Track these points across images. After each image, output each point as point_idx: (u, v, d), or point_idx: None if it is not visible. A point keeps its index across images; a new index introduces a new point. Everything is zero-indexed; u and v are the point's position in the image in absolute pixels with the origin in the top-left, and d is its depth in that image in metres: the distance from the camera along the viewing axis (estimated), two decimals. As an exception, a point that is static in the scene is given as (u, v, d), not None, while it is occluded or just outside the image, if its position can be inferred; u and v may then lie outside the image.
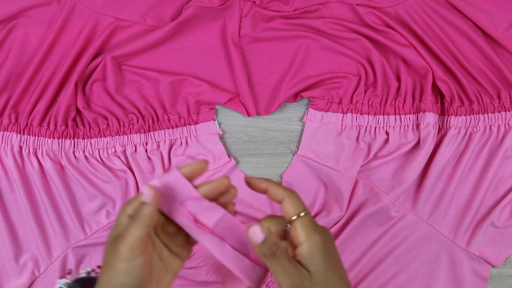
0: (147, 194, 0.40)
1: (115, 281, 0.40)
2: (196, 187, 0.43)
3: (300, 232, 0.42)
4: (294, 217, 0.42)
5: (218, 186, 0.44)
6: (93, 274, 0.54)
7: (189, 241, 0.46)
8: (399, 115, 0.63)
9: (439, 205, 0.63)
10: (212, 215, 0.42)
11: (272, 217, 0.44)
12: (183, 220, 0.42)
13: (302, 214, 0.43)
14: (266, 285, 0.61)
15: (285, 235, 0.44)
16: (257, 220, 0.62)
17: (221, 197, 0.44)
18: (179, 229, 0.44)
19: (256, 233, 0.41)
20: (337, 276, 0.42)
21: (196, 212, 0.42)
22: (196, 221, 0.42)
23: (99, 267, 0.55)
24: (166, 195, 0.42)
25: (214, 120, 0.64)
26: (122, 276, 0.40)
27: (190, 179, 0.43)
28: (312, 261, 0.42)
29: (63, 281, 0.54)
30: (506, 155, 0.63)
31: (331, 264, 0.42)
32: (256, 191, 0.45)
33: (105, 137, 0.62)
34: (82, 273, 0.54)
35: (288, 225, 0.43)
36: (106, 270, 0.40)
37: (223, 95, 0.63)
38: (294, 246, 0.42)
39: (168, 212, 0.42)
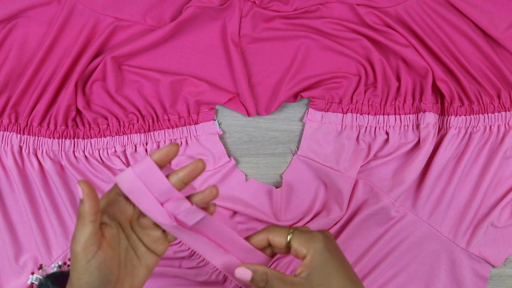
0: (80, 190, 0.39)
1: (80, 281, 0.40)
2: (169, 175, 0.42)
3: (299, 248, 0.44)
4: (289, 238, 0.45)
5: (193, 170, 0.42)
6: (65, 268, 0.53)
7: (166, 237, 0.45)
8: (399, 115, 0.63)
9: (439, 205, 0.63)
10: (193, 216, 0.42)
11: (270, 230, 0.46)
12: (160, 219, 0.42)
13: (290, 233, 0.45)
14: None
15: (289, 248, 0.45)
16: (257, 220, 0.62)
17: (201, 198, 0.43)
18: (155, 225, 0.44)
19: (244, 273, 0.44)
20: (342, 276, 0.43)
21: (176, 214, 0.42)
22: (176, 220, 0.42)
23: (66, 264, 0.55)
24: (139, 188, 0.41)
25: (214, 120, 0.64)
26: (84, 276, 0.40)
27: (164, 164, 0.42)
28: (314, 269, 0.43)
29: (34, 276, 0.53)
30: (506, 155, 0.63)
31: (334, 266, 0.43)
32: (263, 247, 0.47)
33: (105, 137, 0.62)
34: (54, 267, 0.54)
35: (289, 236, 0.45)
36: (72, 272, 0.41)
37: (223, 95, 0.63)
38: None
39: (144, 208, 0.42)
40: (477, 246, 0.63)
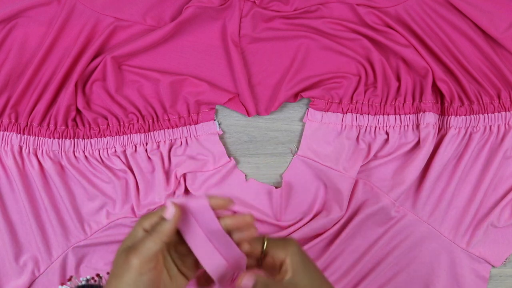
0: (170, 211, 0.41)
1: None
2: (218, 218, 0.43)
3: (276, 253, 0.45)
4: (265, 245, 0.45)
5: (241, 222, 0.44)
6: (92, 282, 0.54)
7: (197, 264, 0.46)
8: (399, 115, 0.63)
9: (439, 205, 0.63)
10: (229, 249, 0.44)
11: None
12: (196, 246, 0.43)
13: (264, 240, 0.46)
14: None
15: (262, 257, 0.46)
16: (257, 220, 0.62)
17: (240, 233, 0.45)
18: (190, 251, 0.44)
19: (247, 282, 0.43)
20: (320, 275, 0.45)
21: (213, 243, 0.43)
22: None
23: (97, 275, 0.55)
24: (186, 216, 0.43)
25: (214, 120, 0.64)
26: (130, 287, 0.40)
27: (213, 209, 0.43)
28: (295, 270, 0.44)
29: (64, 287, 0.53)
30: (506, 155, 0.63)
31: (311, 266, 0.45)
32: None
33: (105, 137, 0.62)
34: (82, 281, 0.54)
35: (265, 243, 0.46)
36: (114, 280, 0.41)
37: (223, 95, 0.63)
38: (280, 268, 0.45)
39: (183, 233, 0.43)
40: (477, 246, 0.63)
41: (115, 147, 0.62)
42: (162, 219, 0.41)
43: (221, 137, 0.65)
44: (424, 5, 0.64)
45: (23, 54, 0.64)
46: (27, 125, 0.62)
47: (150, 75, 0.63)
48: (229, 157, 0.64)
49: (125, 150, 0.62)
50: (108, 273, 0.48)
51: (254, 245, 0.46)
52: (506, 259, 0.64)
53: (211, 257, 0.43)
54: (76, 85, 0.62)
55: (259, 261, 0.46)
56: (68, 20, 0.64)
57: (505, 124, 0.62)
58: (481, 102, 0.63)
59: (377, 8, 0.64)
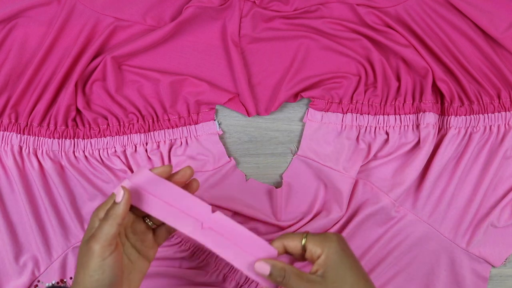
0: (120, 195, 0.44)
1: (91, 278, 0.43)
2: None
3: (314, 249, 0.46)
4: (303, 241, 0.46)
5: (183, 175, 0.48)
6: (59, 284, 0.55)
7: (156, 241, 0.50)
8: (399, 115, 0.63)
9: (439, 205, 0.63)
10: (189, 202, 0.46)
11: (286, 236, 0.48)
12: (155, 211, 0.46)
13: (304, 236, 0.47)
14: None
15: (304, 252, 0.47)
16: (257, 220, 0.62)
17: (178, 177, 0.48)
18: (148, 228, 0.48)
19: (263, 267, 0.45)
20: (355, 274, 0.45)
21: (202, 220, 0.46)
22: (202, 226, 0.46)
23: (61, 280, 0.56)
24: (138, 194, 0.46)
25: (214, 120, 0.64)
26: (97, 273, 0.43)
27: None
28: (329, 267, 0.45)
29: None
30: (506, 155, 0.63)
31: (348, 265, 0.45)
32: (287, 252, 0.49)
33: (105, 137, 0.62)
34: (47, 285, 0.55)
35: (304, 239, 0.47)
36: (81, 270, 0.43)
37: (223, 95, 0.63)
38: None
39: (143, 208, 0.46)
40: (477, 246, 0.63)
41: (115, 147, 0.62)
42: (114, 203, 0.44)
43: (221, 137, 0.65)
44: (424, 5, 0.64)
45: (23, 54, 0.64)
46: (27, 125, 0.62)
47: (150, 75, 0.63)
48: (229, 157, 0.64)
49: (125, 150, 0.62)
50: (71, 278, 0.50)
51: (295, 241, 0.47)
52: (506, 259, 0.64)
53: (176, 216, 0.46)
54: (76, 85, 0.62)
55: (301, 256, 0.48)
56: (68, 20, 0.64)
57: (505, 124, 0.62)
58: (481, 102, 0.63)
59: (377, 8, 0.64)
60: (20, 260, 0.62)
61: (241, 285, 0.61)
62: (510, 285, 0.64)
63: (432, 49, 0.63)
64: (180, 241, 0.62)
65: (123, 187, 0.44)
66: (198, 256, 0.62)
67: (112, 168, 0.62)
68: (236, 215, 0.63)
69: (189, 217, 0.46)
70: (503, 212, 0.63)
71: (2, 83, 0.63)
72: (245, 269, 0.46)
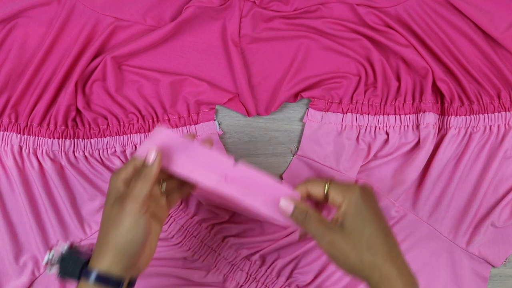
0: (152, 156, 0.46)
1: (124, 237, 0.44)
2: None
3: (335, 197, 0.47)
4: (326, 188, 0.48)
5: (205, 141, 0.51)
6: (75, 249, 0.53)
7: (168, 206, 0.51)
8: (399, 115, 0.63)
9: (439, 205, 0.63)
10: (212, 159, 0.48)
11: (310, 182, 0.50)
12: (180, 169, 0.47)
13: (327, 184, 0.48)
14: (266, 285, 0.61)
15: (327, 199, 0.49)
16: (257, 220, 0.62)
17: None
18: (161, 194, 0.50)
19: (287, 206, 0.48)
20: (374, 227, 0.46)
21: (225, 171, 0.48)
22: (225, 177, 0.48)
23: (72, 244, 0.55)
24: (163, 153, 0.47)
25: (214, 120, 0.64)
26: (131, 232, 0.44)
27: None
28: (347, 217, 0.46)
29: (52, 253, 0.52)
30: (506, 155, 0.63)
31: (367, 217, 0.46)
32: (310, 198, 0.50)
33: (105, 137, 0.62)
34: (63, 246, 0.54)
35: (326, 186, 0.49)
36: (112, 229, 0.44)
37: (223, 95, 0.63)
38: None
39: (167, 168, 0.47)
40: (477, 246, 0.63)
41: (115, 147, 0.62)
42: (146, 165, 0.46)
43: (221, 137, 0.65)
44: (424, 5, 0.64)
45: (23, 54, 0.64)
46: (27, 125, 0.62)
47: (150, 75, 0.63)
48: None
49: (125, 150, 0.62)
50: (71, 244, 0.50)
51: (318, 188, 0.49)
52: (506, 259, 0.64)
53: (200, 172, 0.47)
54: (76, 85, 0.62)
55: (325, 201, 0.49)
56: (68, 20, 0.64)
57: (505, 124, 0.62)
58: (481, 102, 0.63)
59: (377, 8, 0.64)
60: (20, 260, 0.62)
61: (241, 285, 0.61)
62: (510, 285, 0.64)
63: (432, 49, 0.63)
64: (181, 241, 0.62)
65: (155, 150, 0.46)
66: (198, 256, 0.62)
67: (112, 168, 0.62)
68: (235, 215, 0.63)
69: (212, 171, 0.47)
70: (503, 212, 0.63)
71: (2, 83, 0.63)
72: (271, 213, 0.48)
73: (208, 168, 0.47)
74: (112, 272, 0.44)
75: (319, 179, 0.50)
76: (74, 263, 0.47)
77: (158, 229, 0.49)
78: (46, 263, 0.49)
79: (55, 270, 0.48)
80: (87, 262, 0.46)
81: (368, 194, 0.48)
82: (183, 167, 0.47)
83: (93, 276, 0.44)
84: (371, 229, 0.46)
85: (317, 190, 0.49)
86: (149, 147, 0.46)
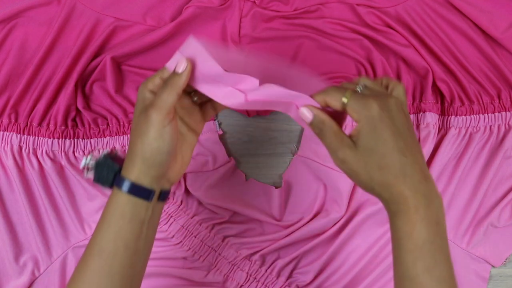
0: (182, 65, 0.44)
1: (150, 146, 0.44)
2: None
3: (352, 113, 0.45)
4: (345, 101, 0.45)
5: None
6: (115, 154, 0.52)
7: (202, 117, 0.50)
8: (399, 115, 0.62)
9: (439, 205, 0.63)
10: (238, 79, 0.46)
11: (328, 92, 0.46)
12: (203, 88, 0.46)
13: (345, 96, 0.45)
14: (266, 285, 0.61)
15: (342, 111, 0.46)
16: (257, 220, 0.62)
17: None
18: (193, 104, 0.49)
19: (306, 114, 0.46)
20: (389, 146, 0.44)
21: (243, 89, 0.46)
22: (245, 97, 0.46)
23: (112, 150, 0.54)
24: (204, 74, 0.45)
25: (215, 120, 0.64)
26: (157, 141, 0.44)
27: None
28: (360, 135, 0.44)
29: (89, 157, 0.50)
30: (506, 155, 0.63)
31: (383, 136, 0.43)
32: (328, 107, 0.47)
33: (105, 137, 0.62)
34: (104, 152, 0.51)
35: (344, 99, 0.45)
36: (139, 139, 0.44)
37: (223, 95, 0.63)
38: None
39: (192, 84, 0.46)
40: (477, 246, 0.63)
41: (114, 147, 0.62)
42: (175, 73, 0.44)
43: (221, 137, 0.65)
44: (424, 5, 0.64)
45: (23, 54, 0.64)
46: (27, 125, 0.62)
47: (150, 75, 0.63)
48: (229, 157, 0.64)
49: (124, 150, 0.62)
50: (111, 150, 0.49)
51: (336, 100, 0.46)
52: (506, 259, 0.64)
53: (223, 93, 0.46)
54: (76, 85, 0.62)
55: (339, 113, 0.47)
56: (68, 20, 0.64)
57: (505, 124, 0.62)
58: (481, 102, 0.63)
59: (377, 8, 0.64)
60: (20, 260, 0.62)
61: (242, 285, 0.61)
62: (510, 285, 0.64)
63: (432, 49, 0.63)
64: (181, 241, 0.62)
65: (186, 59, 0.44)
66: (198, 256, 0.62)
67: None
68: (235, 215, 0.63)
69: (235, 91, 0.46)
70: (503, 212, 0.63)
71: (2, 83, 0.63)
72: (294, 117, 0.48)
73: (230, 89, 0.46)
74: (141, 182, 0.44)
75: (338, 89, 0.46)
76: (108, 169, 0.46)
77: (193, 140, 0.49)
78: (83, 168, 0.48)
79: (91, 175, 0.47)
80: (120, 169, 0.46)
81: (390, 110, 0.45)
82: (205, 87, 0.46)
83: (126, 185, 0.44)
84: (385, 148, 0.44)
85: (335, 103, 0.46)
86: (179, 58, 0.45)
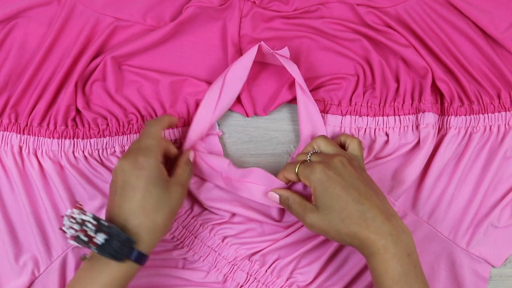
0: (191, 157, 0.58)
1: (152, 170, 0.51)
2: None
3: (304, 181, 0.53)
4: (297, 173, 0.54)
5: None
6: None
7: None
8: (399, 116, 0.63)
9: (439, 205, 0.63)
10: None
11: (285, 168, 0.56)
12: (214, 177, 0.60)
13: (297, 168, 0.54)
14: (266, 286, 0.61)
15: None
16: (256, 221, 0.62)
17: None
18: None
19: (274, 196, 0.56)
20: (343, 200, 0.49)
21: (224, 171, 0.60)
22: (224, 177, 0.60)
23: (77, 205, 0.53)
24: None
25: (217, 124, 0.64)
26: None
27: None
28: (316, 198, 0.51)
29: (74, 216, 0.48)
30: (506, 155, 0.63)
31: (334, 193, 0.50)
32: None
33: (105, 137, 0.62)
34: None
35: (296, 170, 0.54)
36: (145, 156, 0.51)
37: (223, 95, 0.63)
38: None
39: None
40: (477, 246, 0.63)
41: (114, 148, 0.62)
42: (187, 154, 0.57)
43: (221, 138, 0.65)
44: (424, 5, 0.64)
45: (23, 54, 0.64)
46: (27, 125, 0.62)
47: (150, 75, 0.63)
48: (226, 158, 0.64)
49: (124, 151, 0.62)
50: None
51: (291, 174, 0.55)
52: (506, 259, 0.63)
53: (205, 172, 0.60)
54: (76, 85, 0.62)
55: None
56: (68, 20, 0.64)
57: (505, 124, 0.62)
58: (481, 102, 0.63)
59: (377, 8, 0.64)
60: (20, 260, 0.62)
61: (242, 285, 0.61)
62: (510, 285, 0.64)
63: (432, 49, 0.63)
64: (181, 242, 0.62)
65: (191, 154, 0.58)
66: (198, 256, 0.62)
67: (111, 168, 0.62)
68: (235, 216, 0.63)
69: (214, 171, 0.59)
70: (503, 212, 0.63)
71: (2, 83, 0.63)
72: (264, 201, 0.58)
73: (211, 169, 0.59)
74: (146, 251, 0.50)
75: (292, 164, 0.55)
76: (122, 244, 0.46)
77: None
78: (68, 230, 0.46)
79: (101, 239, 0.46)
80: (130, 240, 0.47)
81: (336, 167, 0.51)
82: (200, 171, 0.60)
83: (134, 256, 0.48)
84: (340, 202, 0.49)
85: (291, 175, 0.55)
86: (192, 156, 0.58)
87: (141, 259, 0.48)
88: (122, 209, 0.49)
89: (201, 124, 0.59)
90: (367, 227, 0.49)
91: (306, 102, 0.60)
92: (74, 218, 0.47)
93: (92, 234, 0.46)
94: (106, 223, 0.46)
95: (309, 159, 0.54)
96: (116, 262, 0.47)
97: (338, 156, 0.52)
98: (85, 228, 0.46)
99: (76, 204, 0.48)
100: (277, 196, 0.56)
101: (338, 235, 0.50)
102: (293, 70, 0.59)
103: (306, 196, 0.55)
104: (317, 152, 0.55)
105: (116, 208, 0.49)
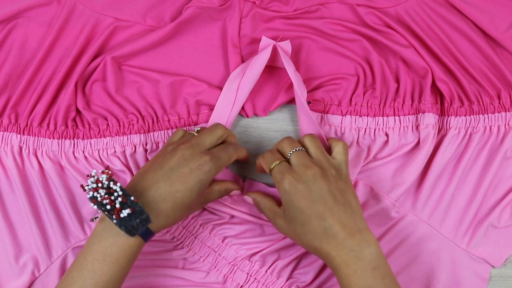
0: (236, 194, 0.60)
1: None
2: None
3: (275, 184, 0.54)
4: (271, 167, 0.55)
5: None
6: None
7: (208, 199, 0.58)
8: (398, 116, 0.63)
9: (439, 205, 0.63)
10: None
11: (265, 157, 0.57)
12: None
13: (271, 166, 0.54)
14: (266, 286, 0.61)
15: None
16: (256, 222, 0.62)
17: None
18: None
19: (248, 198, 0.59)
20: (306, 216, 0.50)
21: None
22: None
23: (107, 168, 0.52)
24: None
25: (214, 121, 0.64)
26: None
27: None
28: (284, 206, 0.53)
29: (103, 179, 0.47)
30: (506, 155, 0.63)
31: (298, 206, 0.51)
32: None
33: (105, 137, 0.62)
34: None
35: (271, 166, 0.55)
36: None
37: (223, 96, 0.63)
38: None
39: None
40: (477, 246, 0.63)
41: (114, 148, 0.62)
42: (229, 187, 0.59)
43: (221, 138, 0.65)
44: (424, 5, 0.64)
45: (23, 54, 0.64)
46: (27, 126, 0.62)
47: (150, 75, 0.63)
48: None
49: (124, 151, 0.62)
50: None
51: (268, 162, 0.55)
52: (506, 260, 0.64)
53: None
54: (76, 85, 0.62)
55: None
56: (68, 20, 0.64)
57: (505, 125, 0.62)
58: (481, 102, 0.63)
59: (377, 9, 0.64)
60: (20, 260, 0.62)
61: (242, 286, 0.61)
62: (510, 285, 0.64)
63: (432, 49, 0.63)
64: (181, 242, 0.62)
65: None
66: (198, 256, 0.62)
67: (111, 168, 0.62)
68: (233, 218, 0.63)
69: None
70: (503, 213, 0.63)
71: (2, 83, 0.63)
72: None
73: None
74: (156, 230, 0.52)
75: (273, 155, 0.56)
76: (141, 221, 0.47)
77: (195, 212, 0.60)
78: (93, 191, 0.46)
79: (126, 213, 0.46)
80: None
81: (306, 181, 0.51)
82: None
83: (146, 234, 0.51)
84: (303, 217, 0.50)
85: (266, 166, 0.56)
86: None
87: (148, 236, 0.50)
88: (155, 190, 0.50)
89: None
90: (328, 243, 0.50)
91: (303, 103, 0.60)
92: (101, 183, 0.47)
93: (118, 205, 0.46)
94: (132, 198, 0.47)
95: (289, 156, 0.54)
96: (126, 235, 0.48)
97: (312, 168, 0.52)
98: (111, 196, 0.46)
99: (105, 170, 0.48)
100: (250, 198, 0.58)
101: (303, 244, 0.52)
102: (290, 70, 0.59)
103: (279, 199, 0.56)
104: (301, 150, 0.54)
105: (147, 182, 0.51)
